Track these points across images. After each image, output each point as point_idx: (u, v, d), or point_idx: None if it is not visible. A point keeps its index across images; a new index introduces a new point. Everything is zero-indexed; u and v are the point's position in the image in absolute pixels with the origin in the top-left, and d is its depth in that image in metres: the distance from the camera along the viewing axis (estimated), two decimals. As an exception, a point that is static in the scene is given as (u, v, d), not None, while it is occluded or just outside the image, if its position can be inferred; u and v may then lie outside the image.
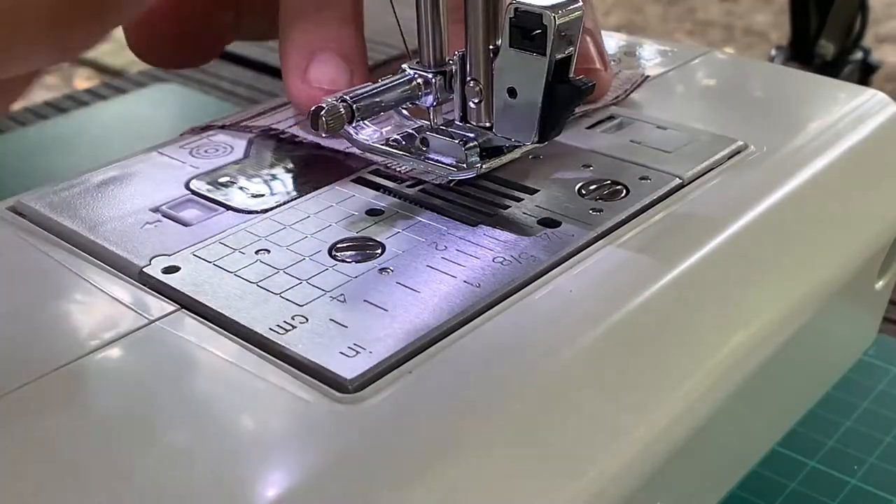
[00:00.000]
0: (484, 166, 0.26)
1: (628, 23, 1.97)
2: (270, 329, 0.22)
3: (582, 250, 0.25)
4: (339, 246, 0.25)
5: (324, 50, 0.31)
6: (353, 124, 0.28)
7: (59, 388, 0.20)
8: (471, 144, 0.26)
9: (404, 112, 0.29)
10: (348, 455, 0.19)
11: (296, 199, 0.28)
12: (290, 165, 0.30)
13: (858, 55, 0.67)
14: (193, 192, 0.28)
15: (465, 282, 0.23)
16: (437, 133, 0.27)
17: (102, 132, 0.50)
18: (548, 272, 0.24)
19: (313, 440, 0.19)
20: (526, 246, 0.25)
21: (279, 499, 0.18)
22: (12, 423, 0.19)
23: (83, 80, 1.81)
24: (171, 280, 0.24)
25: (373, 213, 0.27)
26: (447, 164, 0.26)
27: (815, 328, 0.28)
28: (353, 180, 0.29)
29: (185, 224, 0.26)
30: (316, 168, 0.30)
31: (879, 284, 0.33)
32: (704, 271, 0.25)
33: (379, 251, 0.25)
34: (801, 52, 0.63)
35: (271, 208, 0.27)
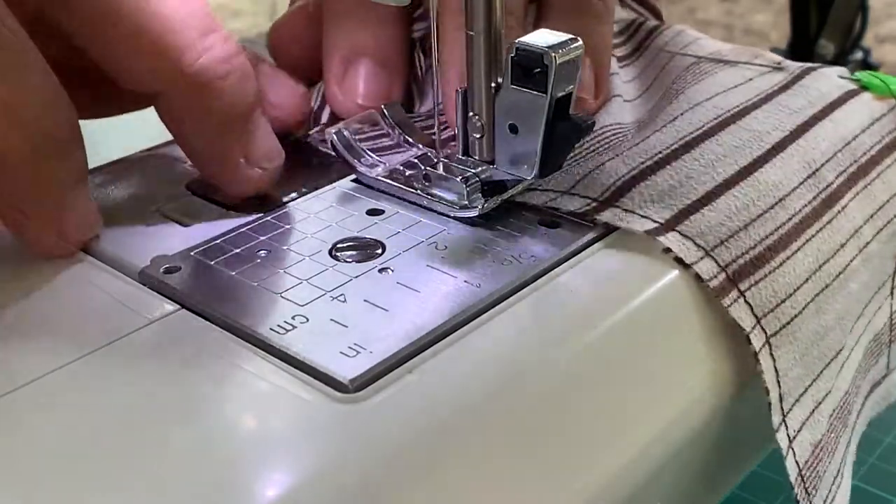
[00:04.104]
0: (485, 205, 0.26)
1: (628, 23, 1.97)
2: (271, 329, 0.22)
3: (582, 250, 0.25)
4: (339, 246, 0.25)
5: (361, 56, 0.31)
6: (358, 156, 0.28)
7: (59, 388, 0.20)
8: (472, 182, 0.26)
9: (409, 139, 0.29)
10: (348, 455, 0.19)
11: (296, 199, 0.28)
12: (290, 165, 0.30)
13: (858, 55, 0.67)
14: (194, 192, 0.28)
15: (465, 281, 0.23)
16: (439, 169, 0.27)
17: (102, 132, 0.50)
18: (548, 272, 0.24)
19: (313, 440, 0.19)
20: (526, 246, 0.25)
21: (279, 498, 0.18)
22: (13, 423, 0.19)
23: (83, 80, 1.80)
24: (171, 280, 0.24)
25: (373, 213, 0.27)
26: (449, 201, 0.26)
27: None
28: (353, 180, 0.29)
29: (185, 224, 0.26)
30: (316, 168, 0.30)
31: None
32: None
33: (379, 251, 0.25)
34: (801, 52, 0.64)
35: (271, 208, 0.27)
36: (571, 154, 0.28)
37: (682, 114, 0.29)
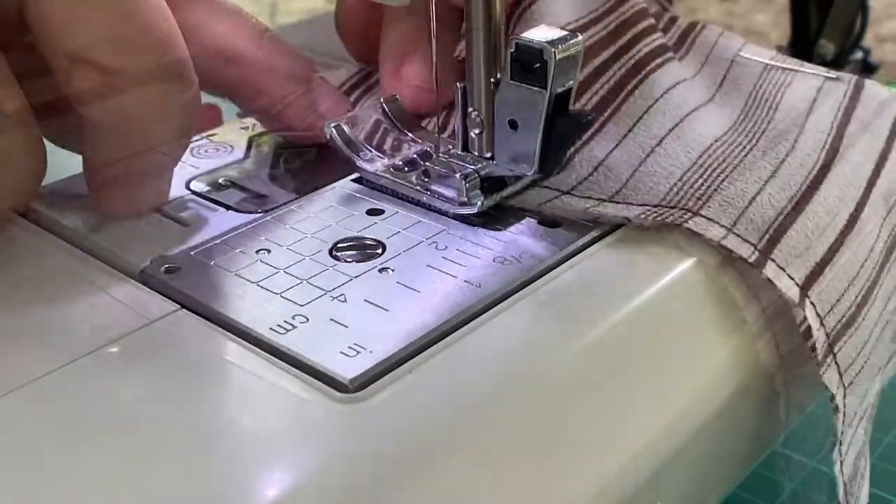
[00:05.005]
0: (484, 202, 0.26)
1: (628, 23, 1.96)
2: (271, 329, 0.22)
3: (582, 250, 0.25)
4: (339, 246, 0.25)
5: (416, 51, 0.31)
6: (358, 151, 0.28)
7: (59, 388, 0.20)
8: (471, 178, 0.26)
9: (408, 134, 0.29)
10: (348, 455, 0.19)
11: (296, 199, 0.28)
12: (290, 165, 0.30)
13: (858, 55, 0.67)
14: (193, 192, 0.28)
15: (465, 281, 0.23)
16: (438, 165, 0.27)
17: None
18: (548, 272, 0.24)
19: (313, 440, 0.19)
20: (526, 246, 0.25)
21: (279, 498, 0.18)
22: (13, 423, 0.19)
23: (83, 80, 1.80)
24: (171, 280, 0.24)
25: (373, 213, 0.27)
26: (448, 198, 0.26)
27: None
28: (353, 180, 0.29)
29: (185, 224, 0.26)
30: (316, 168, 0.30)
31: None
32: (707, 267, 0.25)
33: (379, 251, 0.25)
34: (801, 52, 0.63)
35: (271, 208, 0.27)
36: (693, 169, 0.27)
37: (795, 143, 0.29)
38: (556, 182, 0.27)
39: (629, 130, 0.28)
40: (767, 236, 0.25)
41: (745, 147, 0.28)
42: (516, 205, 0.26)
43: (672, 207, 0.25)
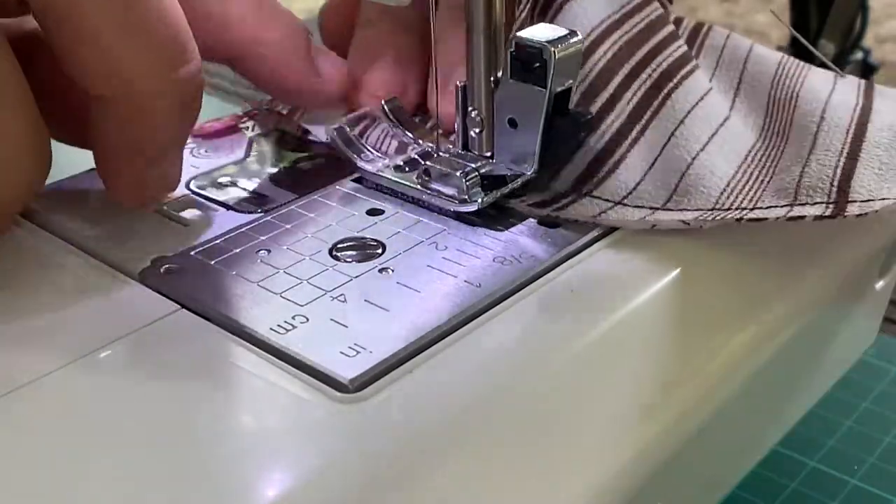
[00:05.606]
0: (485, 199, 0.26)
1: (628, 23, 1.96)
2: (271, 329, 0.22)
3: (582, 250, 0.25)
4: (339, 246, 0.25)
5: (379, 58, 0.31)
6: (358, 152, 0.28)
7: (59, 388, 0.20)
8: (471, 176, 0.26)
9: (409, 134, 0.29)
10: (348, 455, 0.19)
11: (296, 199, 0.28)
12: (291, 165, 0.30)
13: (858, 55, 0.67)
14: (193, 192, 0.28)
15: (465, 281, 0.23)
16: (438, 163, 0.27)
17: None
18: (548, 272, 0.24)
19: (313, 440, 0.19)
20: (526, 246, 0.25)
21: (279, 498, 0.18)
22: (12, 423, 0.19)
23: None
24: (171, 280, 0.24)
25: (373, 213, 0.27)
26: (449, 196, 0.26)
27: (816, 328, 0.28)
28: (353, 180, 0.29)
29: (185, 224, 0.26)
30: (316, 168, 0.30)
31: (879, 284, 0.33)
32: (706, 268, 0.25)
33: (379, 251, 0.25)
34: (801, 53, 0.64)
35: (271, 208, 0.27)
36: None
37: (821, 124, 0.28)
38: (604, 192, 0.27)
39: (671, 135, 0.28)
40: (835, 189, 0.25)
41: (779, 147, 0.28)
42: (569, 217, 0.26)
43: (726, 210, 0.25)
